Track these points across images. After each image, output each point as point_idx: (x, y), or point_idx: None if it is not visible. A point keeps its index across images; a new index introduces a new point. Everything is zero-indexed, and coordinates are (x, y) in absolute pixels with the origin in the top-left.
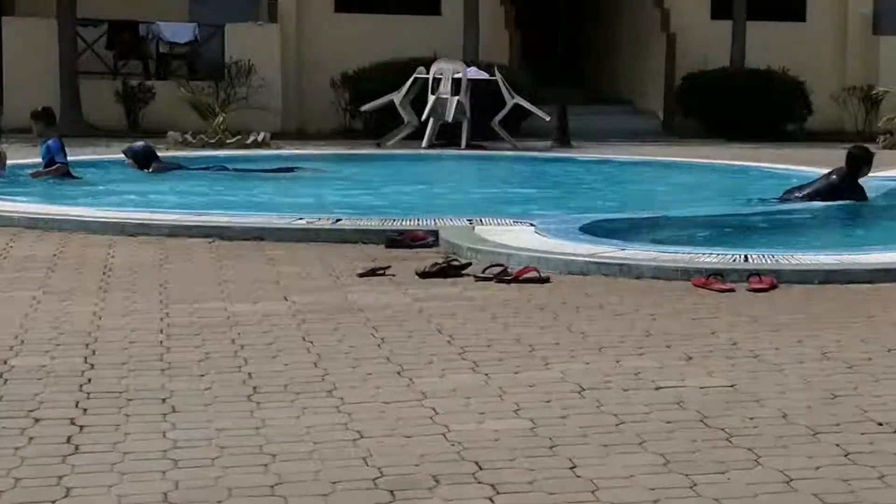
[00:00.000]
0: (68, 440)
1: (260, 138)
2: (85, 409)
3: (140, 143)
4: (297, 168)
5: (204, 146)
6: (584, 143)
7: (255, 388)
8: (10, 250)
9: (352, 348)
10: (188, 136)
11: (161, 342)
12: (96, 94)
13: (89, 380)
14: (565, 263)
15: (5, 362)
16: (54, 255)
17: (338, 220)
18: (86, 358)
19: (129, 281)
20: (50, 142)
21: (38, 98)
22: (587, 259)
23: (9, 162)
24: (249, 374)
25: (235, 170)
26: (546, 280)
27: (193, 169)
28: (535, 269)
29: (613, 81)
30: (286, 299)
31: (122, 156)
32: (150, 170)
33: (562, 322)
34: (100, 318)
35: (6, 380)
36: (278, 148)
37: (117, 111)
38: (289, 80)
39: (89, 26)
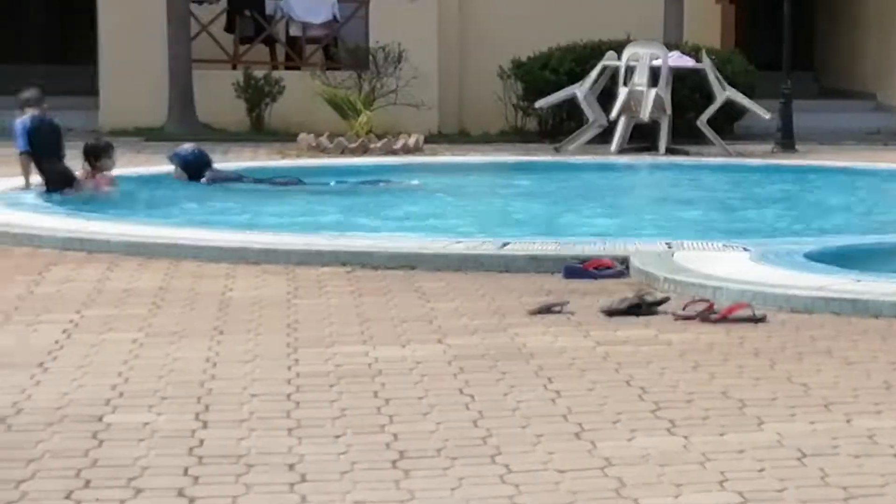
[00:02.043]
0: None
1: (411, 142)
2: (196, 478)
3: (190, 146)
4: (388, 181)
5: (343, 152)
6: (815, 146)
7: (401, 452)
8: (107, 282)
9: (520, 403)
10: (324, 140)
11: (289, 395)
12: (212, 87)
13: (201, 441)
14: (786, 299)
15: (100, 419)
16: (160, 287)
17: (504, 245)
18: (197, 414)
19: (250, 319)
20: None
21: (140, 92)
22: (813, 293)
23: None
24: (395, 434)
25: (318, 184)
26: (761, 319)
27: (262, 181)
28: (749, 306)
29: (850, 69)
30: (441, 342)
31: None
32: (204, 180)
33: (780, 372)
34: (214, 366)
35: (101, 441)
36: (433, 153)
37: (238, 108)
38: (448, 69)
39: (204, 3)
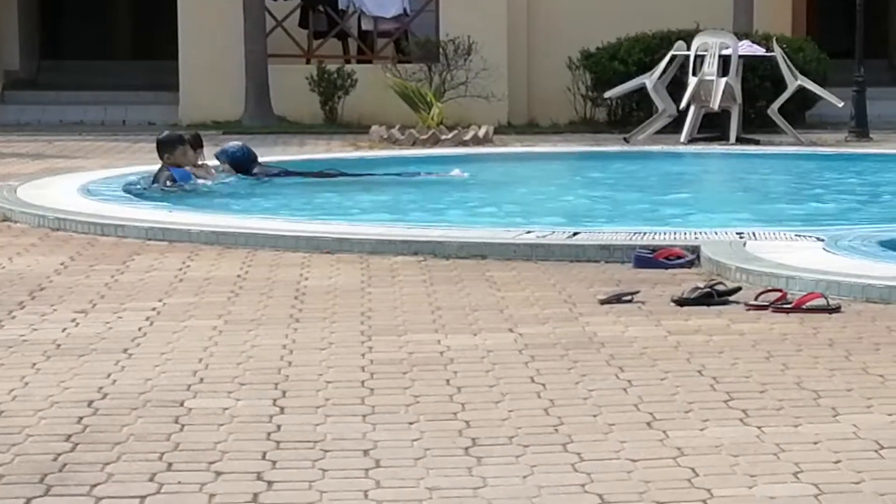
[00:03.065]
0: (254, 498)
1: (481, 133)
2: (274, 462)
3: (237, 144)
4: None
5: (414, 143)
6: (889, 134)
7: (473, 439)
8: (188, 270)
9: (591, 392)
10: (395, 132)
11: (363, 382)
12: (287, 81)
13: (279, 426)
14: (861, 288)
15: (182, 404)
16: (238, 276)
17: (575, 234)
18: (275, 400)
19: (325, 308)
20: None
21: (218, 86)
22: (889, 283)
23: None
24: (467, 422)
25: (360, 175)
26: (836, 309)
27: (306, 174)
28: (822, 296)
29: None
30: (512, 331)
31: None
32: (253, 176)
33: (855, 362)
34: (291, 353)
35: (182, 425)
36: (503, 144)
37: (312, 101)
38: (517, 61)
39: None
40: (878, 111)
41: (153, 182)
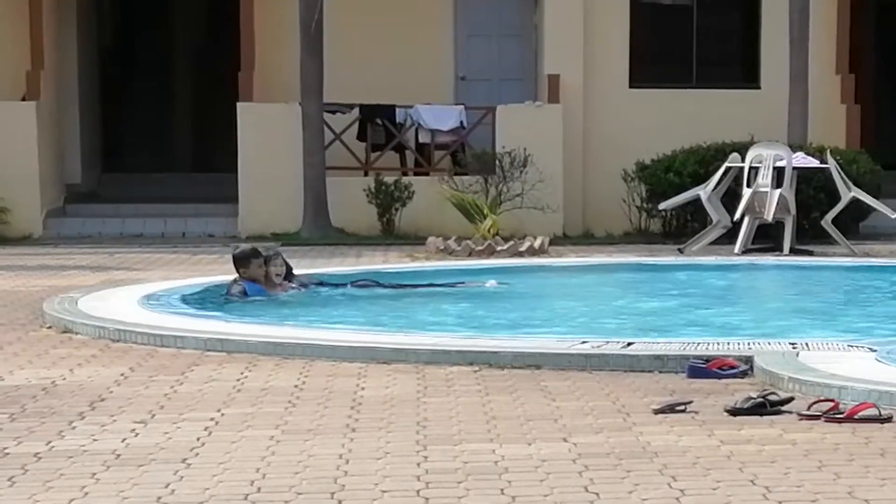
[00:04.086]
0: None
1: (537, 244)
2: None
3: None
4: (463, 282)
5: (470, 254)
6: None
7: None
8: (245, 381)
9: (644, 501)
10: (451, 243)
11: (418, 492)
12: (345, 193)
13: None
14: None
15: None
16: (295, 386)
17: (629, 344)
18: None
19: (381, 417)
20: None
21: (277, 199)
22: None
23: None
24: None
25: (396, 285)
26: (888, 419)
27: (337, 285)
28: (874, 406)
29: None
30: (566, 440)
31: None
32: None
33: None
34: (347, 462)
35: None
36: (558, 255)
37: (369, 213)
38: (572, 172)
39: (337, 112)
40: None
41: (225, 293)
